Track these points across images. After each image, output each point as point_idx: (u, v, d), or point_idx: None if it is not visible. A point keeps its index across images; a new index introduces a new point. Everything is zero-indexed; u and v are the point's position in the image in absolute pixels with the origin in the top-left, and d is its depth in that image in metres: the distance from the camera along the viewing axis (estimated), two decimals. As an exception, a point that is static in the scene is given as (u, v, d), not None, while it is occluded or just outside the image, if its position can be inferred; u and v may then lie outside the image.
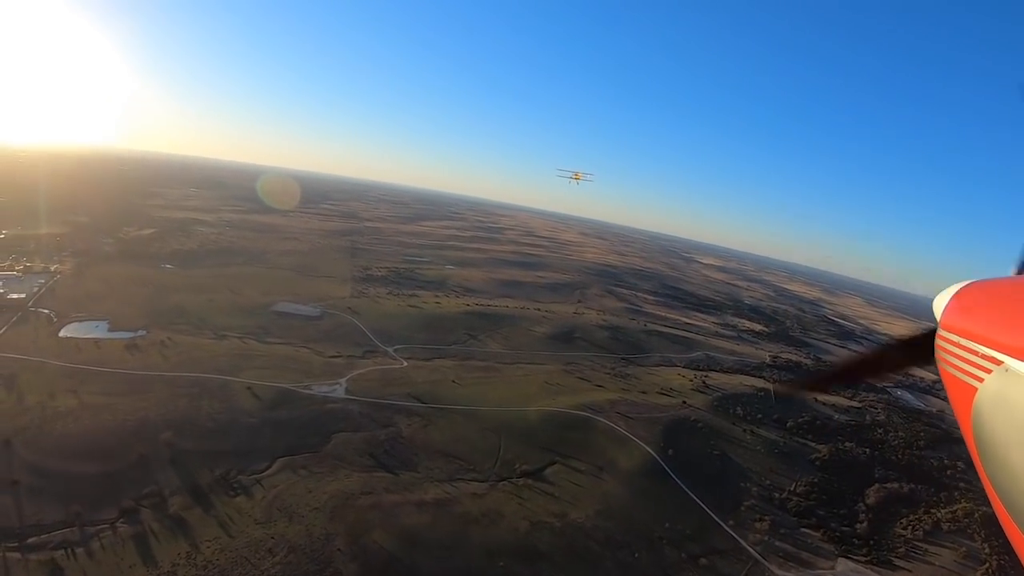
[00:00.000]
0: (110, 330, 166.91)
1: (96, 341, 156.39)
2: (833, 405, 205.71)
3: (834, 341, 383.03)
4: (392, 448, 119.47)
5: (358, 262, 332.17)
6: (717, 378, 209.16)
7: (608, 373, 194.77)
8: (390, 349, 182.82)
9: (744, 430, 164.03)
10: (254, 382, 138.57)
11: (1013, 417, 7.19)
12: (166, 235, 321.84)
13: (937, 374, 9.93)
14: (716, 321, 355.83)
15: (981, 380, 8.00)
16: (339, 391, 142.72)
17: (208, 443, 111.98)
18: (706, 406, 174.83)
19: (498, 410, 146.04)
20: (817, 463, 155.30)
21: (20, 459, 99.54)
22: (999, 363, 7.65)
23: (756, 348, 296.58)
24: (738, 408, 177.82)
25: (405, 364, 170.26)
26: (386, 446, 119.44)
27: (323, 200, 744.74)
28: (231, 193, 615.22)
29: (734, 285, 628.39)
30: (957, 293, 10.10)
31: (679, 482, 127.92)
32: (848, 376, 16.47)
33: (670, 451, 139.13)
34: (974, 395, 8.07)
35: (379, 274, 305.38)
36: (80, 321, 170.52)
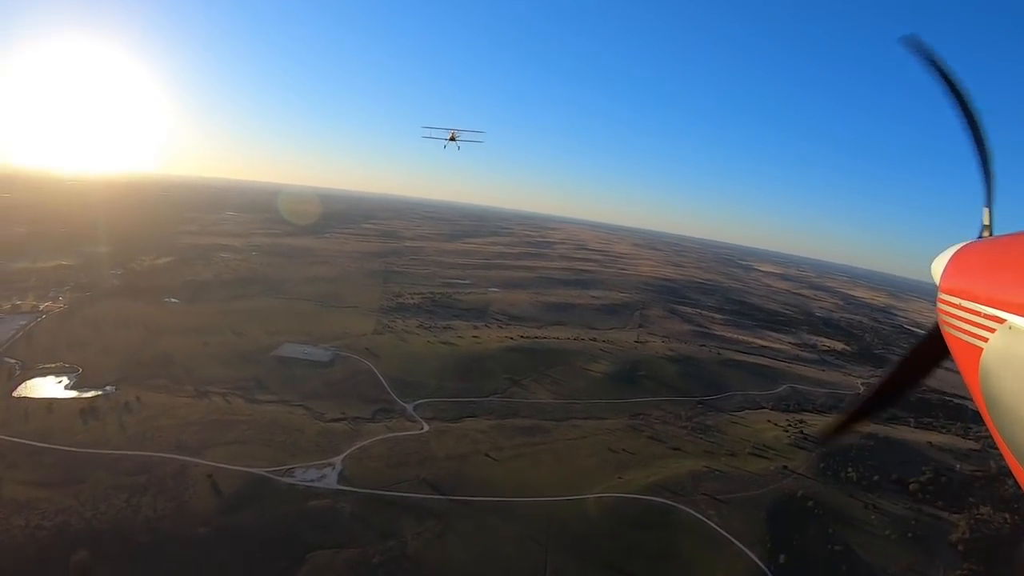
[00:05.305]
0: (75, 386, 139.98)
1: (50, 403, 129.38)
2: (951, 451, 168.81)
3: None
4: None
5: (390, 288, 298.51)
6: (813, 423, 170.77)
7: (684, 426, 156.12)
8: (409, 406, 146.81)
9: (864, 504, 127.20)
10: (220, 465, 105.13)
11: (1019, 373, 6.84)
12: (183, 264, 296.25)
13: None
14: (793, 341, 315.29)
15: (986, 340, 7.55)
16: (330, 477, 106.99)
17: (134, 571, 79.65)
18: (811, 470, 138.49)
19: (544, 501, 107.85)
20: (959, 547, 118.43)
21: None
22: (1002, 321, 7.24)
23: (844, 374, 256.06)
24: (849, 469, 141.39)
25: (426, 428, 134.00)
26: (381, 574, 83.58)
27: (365, 219, 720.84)
28: (270, 216, 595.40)
29: (800, 295, 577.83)
30: (956, 254, 9.48)
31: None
32: (885, 400, 12.89)
33: (782, 557, 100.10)
34: (980, 355, 7.61)
35: (412, 302, 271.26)
36: (45, 375, 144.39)
